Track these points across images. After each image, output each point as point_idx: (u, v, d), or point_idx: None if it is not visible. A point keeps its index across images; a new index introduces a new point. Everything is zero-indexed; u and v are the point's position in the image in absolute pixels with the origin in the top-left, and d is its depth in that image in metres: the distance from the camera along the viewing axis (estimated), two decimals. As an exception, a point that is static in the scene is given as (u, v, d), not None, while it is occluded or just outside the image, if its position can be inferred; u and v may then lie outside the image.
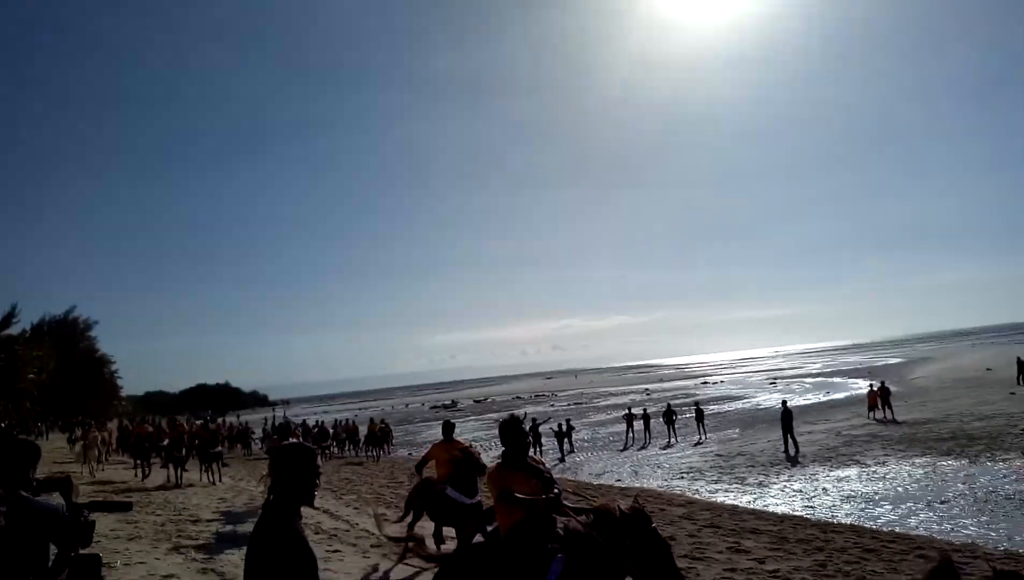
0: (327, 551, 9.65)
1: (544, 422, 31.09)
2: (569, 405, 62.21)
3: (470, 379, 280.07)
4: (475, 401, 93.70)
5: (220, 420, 37.55)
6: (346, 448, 33.46)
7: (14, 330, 38.91)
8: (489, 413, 62.22)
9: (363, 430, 32.80)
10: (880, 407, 28.03)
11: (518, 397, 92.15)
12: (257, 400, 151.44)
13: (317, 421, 38.15)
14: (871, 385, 30.43)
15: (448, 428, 9.83)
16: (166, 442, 19.80)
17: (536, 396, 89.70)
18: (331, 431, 34.14)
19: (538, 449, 27.17)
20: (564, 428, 28.48)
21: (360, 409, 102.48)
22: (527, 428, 26.49)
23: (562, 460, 25.98)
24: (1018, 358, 42.37)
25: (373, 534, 11.70)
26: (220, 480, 18.65)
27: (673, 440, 28.43)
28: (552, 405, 64.78)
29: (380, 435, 30.67)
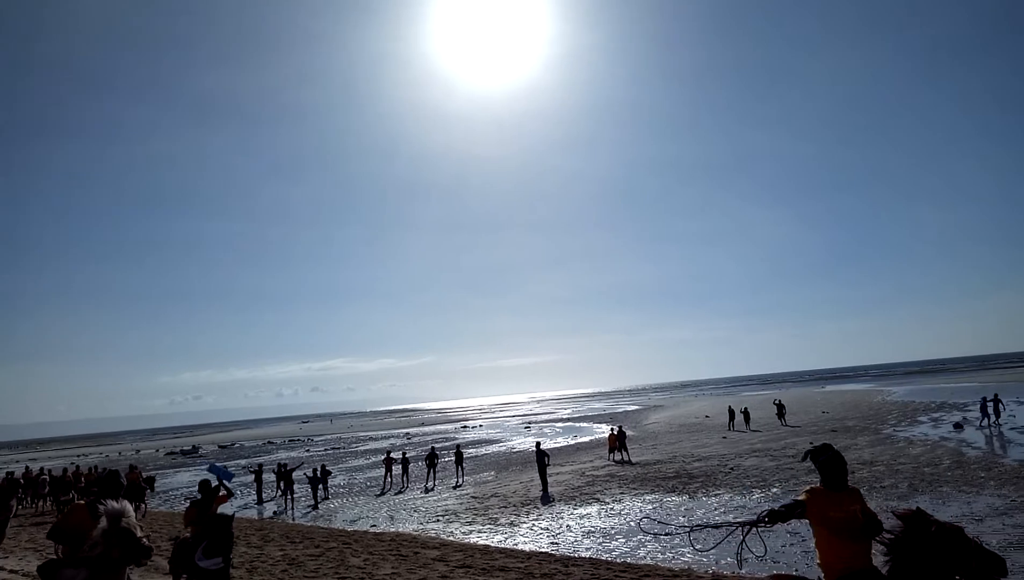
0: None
1: (297, 467, 29.52)
2: (326, 450, 59.79)
3: (217, 423, 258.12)
4: (219, 446, 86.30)
5: None
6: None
7: None
8: (235, 459, 57.71)
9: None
10: (618, 449, 30.61)
11: (270, 442, 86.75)
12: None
13: (41, 468, 31.33)
14: (611, 429, 33.18)
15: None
16: None
17: (291, 441, 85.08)
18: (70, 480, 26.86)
19: (288, 495, 25.64)
20: (319, 473, 27.25)
21: (79, 456, 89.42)
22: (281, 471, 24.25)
23: (315, 507, 24.75)
24: (729, 407, 49.40)
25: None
26: None
27: (432, 483, 28.48)
28: (308, 450, 61.87)
29: (141, 486, 24.93)
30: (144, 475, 23.66)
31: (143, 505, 22.43)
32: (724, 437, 37.14)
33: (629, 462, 29.24)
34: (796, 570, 10.75)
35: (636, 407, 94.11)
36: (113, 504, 5.19)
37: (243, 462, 47.59)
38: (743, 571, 9.68)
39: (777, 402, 47.40)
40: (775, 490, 19.14)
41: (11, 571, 12.39)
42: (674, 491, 20.60)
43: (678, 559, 12.75)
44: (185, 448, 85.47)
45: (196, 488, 21.63)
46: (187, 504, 9.55)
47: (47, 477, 27.05)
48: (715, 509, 17.25)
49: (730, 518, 15.83)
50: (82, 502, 5.85)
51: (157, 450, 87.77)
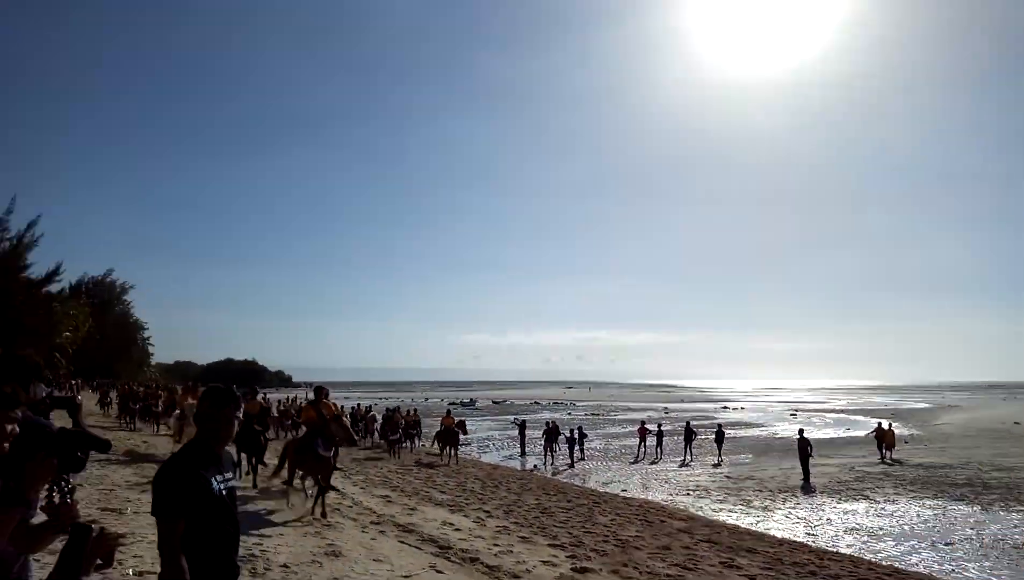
0: (331, 521, 9.98)
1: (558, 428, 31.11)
2: (586, 415, 62.08)
3: (492, 381, 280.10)
4: (493, 402, 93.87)
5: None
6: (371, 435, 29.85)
7: (54, 288, 39.99)
8: (506, 414, 62.40)
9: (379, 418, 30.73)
10: (882, 448, 27.43)
11: (536, 402, 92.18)
12: (282, 380, 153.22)
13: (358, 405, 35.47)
14: (879, 423, 30.01)
15: (318, 392, 11.86)
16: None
17: (554, 403, 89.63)
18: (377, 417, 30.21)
19: (549, 451, 27.38)
20: (576, 435, 28.55)
21: (381, 398, 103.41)
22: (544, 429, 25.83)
23: (571, 466, 26.08)
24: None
25: (374, 511, 12.02)
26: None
27: (688, 459, 28.31)
28: (569, 413, 64.71)
29: (411, 425, 27.97)
30: (456, 420, 26.20)
31: (454, 450, 24.69)
32: (1040, 449, 31.48)
33: (894, 462, 26.28)
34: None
35: (926, 405, 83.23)
36: None
37: (511, 417, 51.32)
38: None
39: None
40: (1102, 517, 15.97)
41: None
42: (962, 500, 18.16)
43: (959, 573, 11.41)
44: (464, 400, 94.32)
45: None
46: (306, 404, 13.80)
47: (375, 414, 31.42)
48: (1015, 527, 14.94)
49: (1033, 539, 13.65)
50: None
51: (442, 399, 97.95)
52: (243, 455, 13.28)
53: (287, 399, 33.32)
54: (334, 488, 11.27)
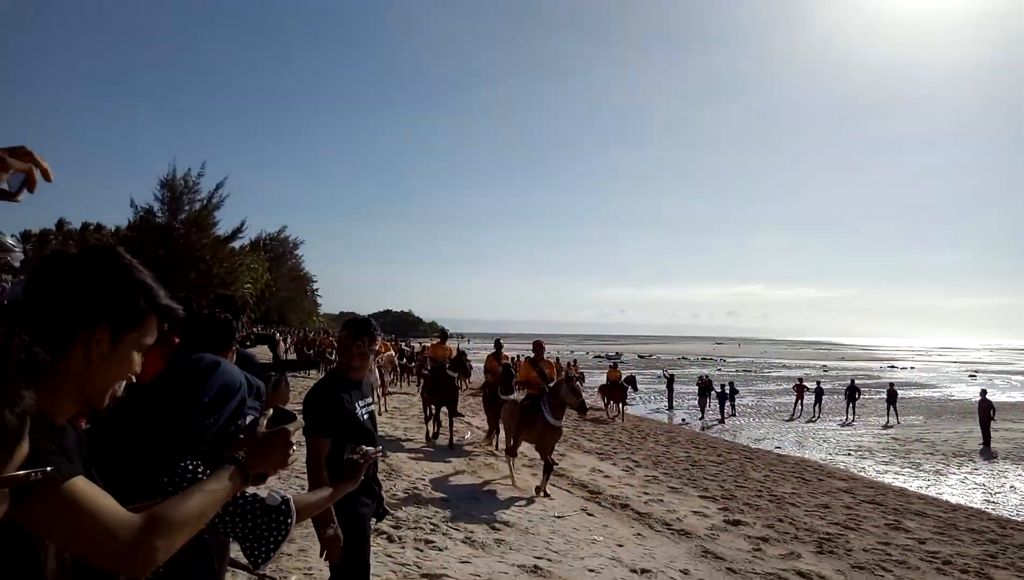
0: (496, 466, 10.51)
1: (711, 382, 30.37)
2: (737, 371, 60.26)
3: (637, 335, 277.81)
4: (639, 356, 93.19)
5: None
6: None
7: (238, 243, 44.00)
8: (652, 369, 61.86)
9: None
10: None
11: (684, 357, 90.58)
12: (435, 330, 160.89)
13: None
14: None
15: (496, 345, 12.85)
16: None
17: (704, 359, 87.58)
18: None
19: (708, 405, 27.00)
20: (728, 390, 27.82)
21: (526, 352, 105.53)
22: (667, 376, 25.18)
23: (721, 421, 25.55)
24: None
25: (525, 454, 12.43)
26: None
27: (850, 418, 26.83)
28: (719, 369, 63.04)
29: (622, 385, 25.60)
30: (624, 374, 25.85)
31: (621, 404, 24.72)
32: None
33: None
34: None
35: None
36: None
37: (657, 372, 50.77)
38: None
39: None
40: None
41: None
42: None
43: None
44: (610, 354, 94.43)
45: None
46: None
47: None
48: None
49: None
50: None
51: (587, 353, 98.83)
52: (432, 406, 12.16)
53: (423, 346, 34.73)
54: (555, 463, 9.45)
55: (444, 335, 14.34)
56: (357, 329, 3.23)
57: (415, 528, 6.64)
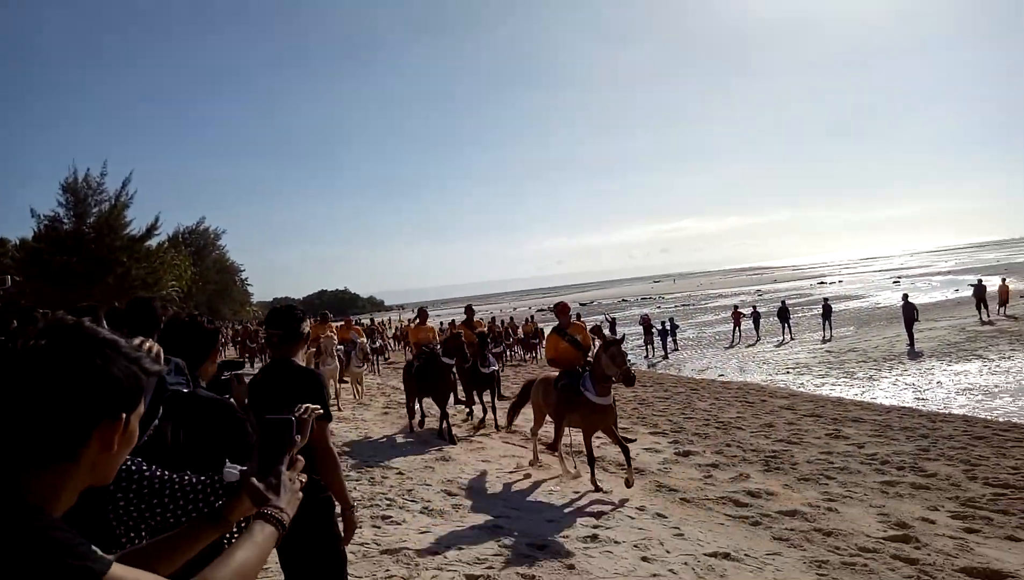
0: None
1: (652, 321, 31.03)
2: (676, 306, 61.78)
3: (576, 284, 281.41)
4: (580, 305, 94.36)
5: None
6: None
7: (155, 241, 42.11)
8: (593, 315, 62.71)
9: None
10: (981, 307, 25.72)
11: (624, 300, 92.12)
12: (374, 305, 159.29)
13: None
14: (1003, 279, 28.44)
15: (467, 311, 12.53)
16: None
17: (642, 299, 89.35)
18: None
19: (649, 346, 27.53)
20: (668, 326, 28.46)
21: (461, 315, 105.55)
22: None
23: (665, 357, 26.17)
24: None
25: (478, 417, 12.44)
26: None
27: (787, 337, 27.86)
28: (659, 307, 64.46)
29: (530, 335, 27.20)
30: (589, 324, 25.03)
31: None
32: None
33: (1008, 318, 24.98)
34: None
35: (1045, 256, 78.11)
36: None
37: (599, 317, 51.58)
38: None
39: None
40: None
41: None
42: (1088, 350, 17.19)
43: (1083, 423, 10.90)
44: (551, 306, 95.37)
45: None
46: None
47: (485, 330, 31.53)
48: None
49: None
50: None
51: (529, 308, 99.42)
52: (418, 399, 10.82)
53: (381, 322, 34.69)
54: (630, 441, 8.18)
55: (423, 314, 12.39)
56: (267, 321, 3.48)
57: (370, 507, 6.57)
